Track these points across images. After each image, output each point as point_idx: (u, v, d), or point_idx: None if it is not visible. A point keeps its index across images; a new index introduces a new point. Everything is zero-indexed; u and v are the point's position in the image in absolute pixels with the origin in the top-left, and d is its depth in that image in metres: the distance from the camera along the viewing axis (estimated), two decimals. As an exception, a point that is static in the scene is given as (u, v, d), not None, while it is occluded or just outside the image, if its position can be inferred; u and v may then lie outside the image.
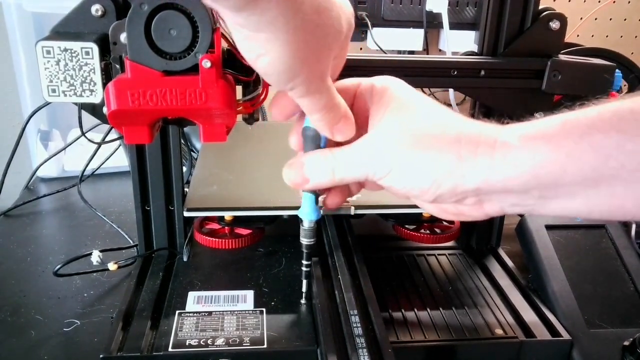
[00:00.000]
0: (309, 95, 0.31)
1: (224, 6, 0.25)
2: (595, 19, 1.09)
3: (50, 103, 0.39)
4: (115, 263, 0.53)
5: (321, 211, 0.41)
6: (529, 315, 0.48)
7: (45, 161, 0.77)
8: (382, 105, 0.34)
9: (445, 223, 0.60)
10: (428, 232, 0.58)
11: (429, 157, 0.32)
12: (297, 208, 0.41)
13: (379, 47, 1.00)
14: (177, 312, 0.45)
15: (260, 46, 0.27)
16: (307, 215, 0.41)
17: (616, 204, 0.30)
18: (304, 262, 0.44)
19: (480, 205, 0.34)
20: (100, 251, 0.55)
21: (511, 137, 0.31)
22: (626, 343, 0.43)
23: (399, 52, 1.04)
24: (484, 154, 0.31)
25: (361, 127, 0.35)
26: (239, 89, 0.42)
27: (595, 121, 0.29)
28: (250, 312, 0.46)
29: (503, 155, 0.31)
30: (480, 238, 0.59)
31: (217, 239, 0.53)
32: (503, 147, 0.31)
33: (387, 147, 0.33)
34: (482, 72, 0.49)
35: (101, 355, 0.40)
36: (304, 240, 0.43)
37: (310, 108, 0.32)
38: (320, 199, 0.40)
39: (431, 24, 0.99)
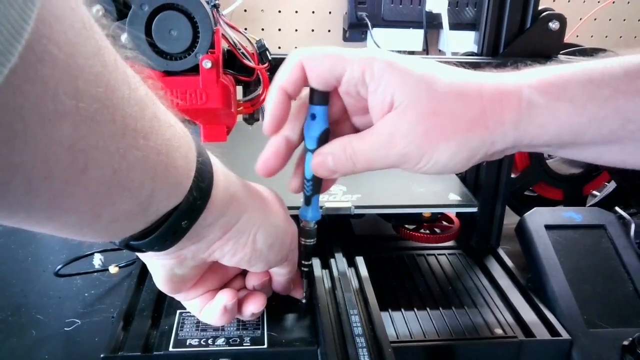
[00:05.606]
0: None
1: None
2: (595, 19, 1.09)
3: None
4: (116, 265, 0.53)
5: (321, 211, 0.41)
6: (528, 315, 0.48)
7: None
8: (388, 85, 0.32)
9: (445, 223, 0.60)
10: (428, 232, 0.58)
11: (458, 142, 0.32)
12: (297, 208, 0.41)
13: (379, 47, 1.00)
14: (177, 311, 0.45)
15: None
16: (307, 216, 0.41)
17: (625, 158, 0.32)
18: (304, 262, 0.44)
19: (502, 154, 0.35)
20: (102, 252, 0.56)
21: (535, 95, 0.31)
22: (625, 343, 0.43)
23: (399, 52, 1.03)
24: (511, 117, 0.31)
25: (359, 112, 0.35)
26: (239, 89, 0.42)
27: (621, 83, 0.30)
28: (251, 312, 0.46)
29: (529, 117, 0.31)
30: (480, 238, 0.59)
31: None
32: (529, 108, 0.31)
33: (410, 139, 0.32)
34: (482, 73, 0.49)
35: (102, 355, 0.40)
36: (304, 241, 0.42)
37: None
38: (320, 198, 0.40)
39: (431, 24, 1.00)
